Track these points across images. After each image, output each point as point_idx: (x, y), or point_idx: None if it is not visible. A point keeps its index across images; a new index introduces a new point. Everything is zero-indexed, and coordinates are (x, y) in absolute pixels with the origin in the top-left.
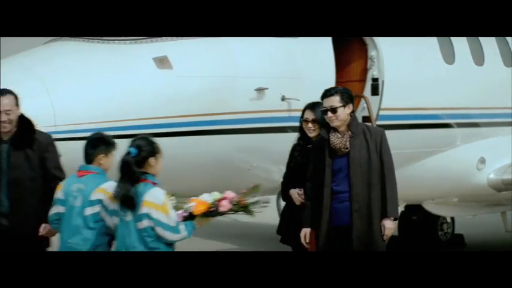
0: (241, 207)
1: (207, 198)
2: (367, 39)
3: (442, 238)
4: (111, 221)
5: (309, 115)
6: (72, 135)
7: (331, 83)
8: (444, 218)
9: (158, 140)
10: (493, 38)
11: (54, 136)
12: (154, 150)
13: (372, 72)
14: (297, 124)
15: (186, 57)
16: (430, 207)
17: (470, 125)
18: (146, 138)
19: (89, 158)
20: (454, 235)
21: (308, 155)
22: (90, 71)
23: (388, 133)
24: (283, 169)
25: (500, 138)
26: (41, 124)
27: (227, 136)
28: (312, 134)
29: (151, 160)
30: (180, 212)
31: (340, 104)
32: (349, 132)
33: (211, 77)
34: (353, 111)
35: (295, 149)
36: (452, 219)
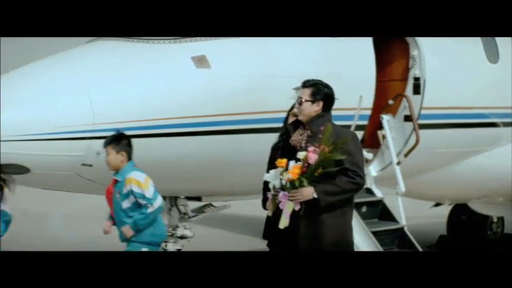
0: (327, 153)
1: (294, 164)
2: (409, 39)
3: (491, 238)
4: None
5: None
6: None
7: (372, 82)
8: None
9: (196, 139)
10: None
11: (93, 134)
12: None
13: (414, 72)
14: (338, 123)
15: (225, 57)
16: (476, 207)
17: None
18: None
19: None
20: (504, 235)
21: None
22: (129, 70)
23: (431, 132)
24: None
25: None
26: (80, 123)
27: (265, 135)
28: None
29: None
30: (282, 193)
31: (308, 99)
32: (309, 131)
33: (250, 76)
34: (325, 111)
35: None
36: (502, 219)
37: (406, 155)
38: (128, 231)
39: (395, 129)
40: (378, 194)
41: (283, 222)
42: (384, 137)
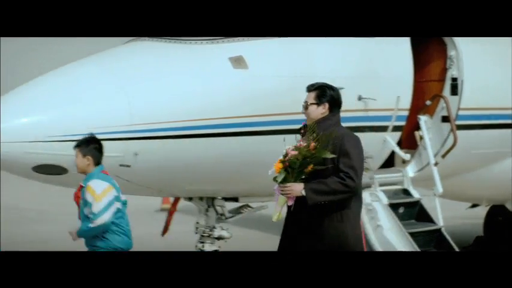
0: (311, 150)
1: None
2: (446, 39)
3: None
4: None
5: None
6: (148, 135)
7: (409, 82)
8: None
9: (233, 139)
10: None
11: (130, 135)
12: None
13: (451, 72)
14: (375, 123)
15: (262, 57)
16: None
17: None
18: None
19: None
20: None
21: None
22: (167, 70)
23: (468, 133)
24: None
25: None
26: (117, 123)
27: None
28: None
29: None
30: (276, 186)
31: (314, 102)
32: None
33: (287, 76)
34: (332, 113)
35: None
36: None
37: (443, 156)
38: (73, 235)
39: (433, 130)
40: (415, 195)
41: (275, 216)
42: (421, 137)
